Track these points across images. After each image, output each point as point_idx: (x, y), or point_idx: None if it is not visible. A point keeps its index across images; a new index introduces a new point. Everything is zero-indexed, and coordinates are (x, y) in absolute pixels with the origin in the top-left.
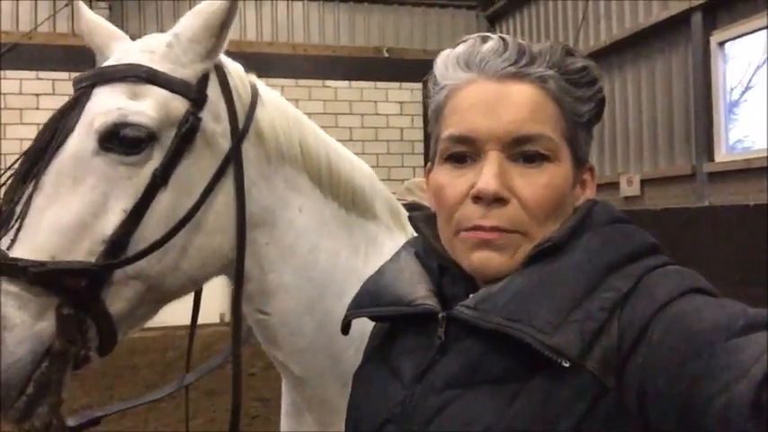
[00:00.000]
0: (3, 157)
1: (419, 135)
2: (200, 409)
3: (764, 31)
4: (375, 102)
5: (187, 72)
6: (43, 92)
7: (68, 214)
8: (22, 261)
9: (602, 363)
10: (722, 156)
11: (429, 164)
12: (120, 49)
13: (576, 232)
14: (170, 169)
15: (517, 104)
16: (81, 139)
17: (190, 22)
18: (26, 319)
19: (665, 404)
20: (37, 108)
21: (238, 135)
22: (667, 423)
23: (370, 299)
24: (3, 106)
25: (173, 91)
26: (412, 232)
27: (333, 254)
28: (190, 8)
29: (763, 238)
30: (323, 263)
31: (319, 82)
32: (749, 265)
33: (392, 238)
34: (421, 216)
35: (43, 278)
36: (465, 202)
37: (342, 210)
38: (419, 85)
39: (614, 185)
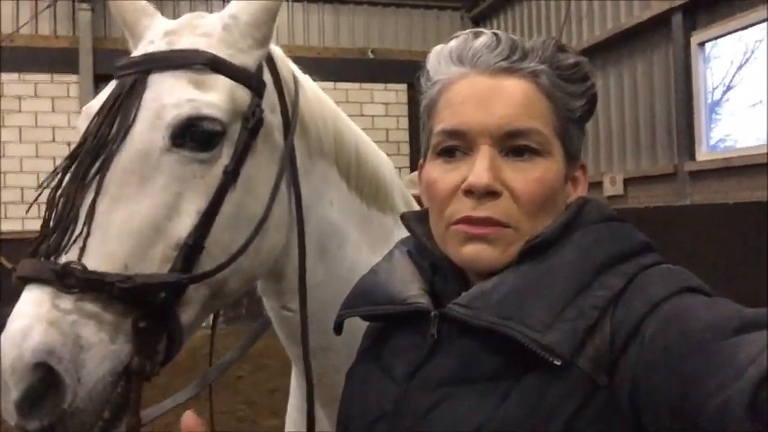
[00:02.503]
0: None
1: (404, 136)
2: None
3: (745, 30)
4: (360, 103)
5: (247, 59)
6: (25, 94)
7: (139, 217)
8: (108, 276)
9: (595, 361)
10: (703, 154)
11: (421, 159)
12: (158, 27)
13: (568, 229)
14: (239, 166)
15: (509, 99)
16: (147, 134)
17: (246, 4)
18: (103, 337)
19: (659, 403)
20: (19, 111)
21: (292, 128)
22: (661, 422)
23: (364, 298)
24: None
25: (236, 80)
26: None
27: (357, 249)
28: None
29: (743, 236)
30: (349, 258)
31: None
32: (730, 263)
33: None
34: (412, 215)
35: (129, 293)
36: (457, 195)
37: (363, 204)
38: (404, 87)
39: (598, 185)
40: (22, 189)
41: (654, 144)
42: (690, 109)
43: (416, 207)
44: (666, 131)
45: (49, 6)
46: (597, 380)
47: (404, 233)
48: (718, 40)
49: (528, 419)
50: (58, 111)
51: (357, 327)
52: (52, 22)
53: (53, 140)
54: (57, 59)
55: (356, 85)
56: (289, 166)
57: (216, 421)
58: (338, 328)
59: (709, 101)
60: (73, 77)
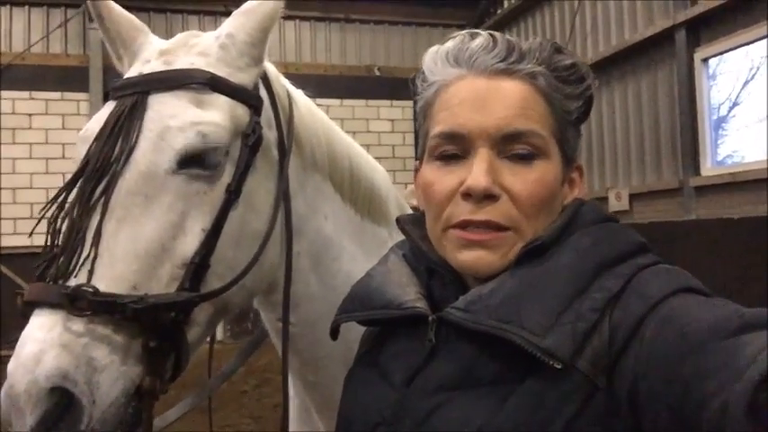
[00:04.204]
0: None
1: (410, 152)
2: (193, 426)
3: (749, 46)
4: (367, 119)
5: (244, 77)
6: (36, 112)
7: (146, 238)
8: (119, 297)
9: (593, 363)
10: (708, 170)
11: (417, 162)
12: (152, 46)
13: (565, 232)
14: (241, 184)
15: (507, 100)
16: (151, 156)
17: (242, 23)
18: (115, 358)
19: (659, 404)
20: (30, 128)
21: (287, 144)
22: (660, 423)
23: (360, 303)
24: None
25: (236, 98)
26: None
27: (352, 260)
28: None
29: (747, 251)
30: (345, 270)
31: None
32: (735, 278)
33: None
34: (408, 218)
35: (141, 313)
36: (455, 199)
37: (357, 216)
38: (410, 103)
39: (603, 200)
40: (31, 205)
41: (659, 159)
42: (694, 124)
43: None
44: (671, 147)
45: (60, 26)
46: (596, 382)
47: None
48: (725, 55)
49: (527, 422)
50: (69, 128)
51: (354, 335)
52: (63, 41)
53: (63, 157)
54: (67, 77)
55: (363, 101)
56: (282, 181)
57: None
58: (334, 333)
59: (716, 117)
60: (83, 95)
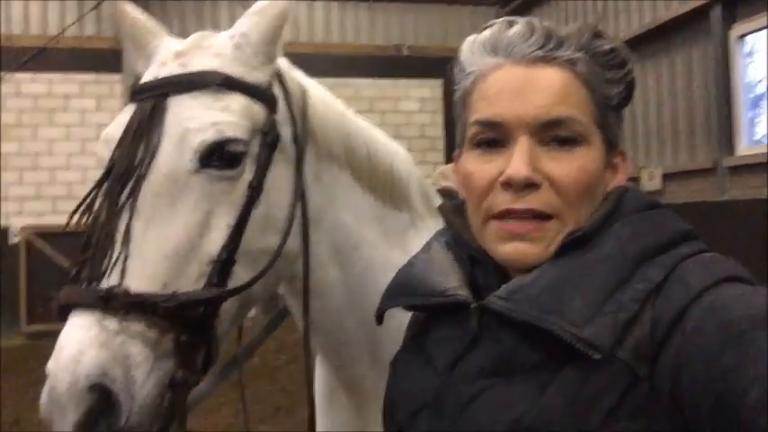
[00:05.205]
0: (36, 156)
1: (440, 132)
2: (227, 400)
3: None
4: (395, 99)
5: (259, 75)
6: (72, 93)
7: (174, 237)
8: (150, 296)
9: (635, 352)
10: (743, 149)
11: (457, 150)
12: (167, 48)
13: (608, 221)
14: (262, 180)
15: (546, 88)
16: (173, 157)
17: (256, 22)
18: (149, 354)
19: (701, 393)
20: (65, 110)
21: (303, 138)
22: (702, 412)
23: (403, 290)
24: (34, 108)
25: (252, 97)
26: None
27: (372, 247)
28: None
29: None
30: (365, 258)
31: (340, 80)
32: None
33: (425, 227)
34: (450, 207)
35: (171, 311)
36: (495, 189)
37: (378, 202)
38: (439, 82)
39: (635, 180)
40: (69, 185)
41: (693, 139)
42: (730, 103)
43: (438, 201)
44: (706, 126)
45: (93, 8)
46: (638, 371)
47: (425, 230)
48: (762, 32)
49: (568, 410)
50: (103, 109)
51: (375, 322)
52: (97, 24)
53: (98, 138)
54: (101, 59)
55: (391, 81)
56: (299, 175)
57: (253, 409)
58: (380, 319)
59: (752, 95)
60: (117, 77)
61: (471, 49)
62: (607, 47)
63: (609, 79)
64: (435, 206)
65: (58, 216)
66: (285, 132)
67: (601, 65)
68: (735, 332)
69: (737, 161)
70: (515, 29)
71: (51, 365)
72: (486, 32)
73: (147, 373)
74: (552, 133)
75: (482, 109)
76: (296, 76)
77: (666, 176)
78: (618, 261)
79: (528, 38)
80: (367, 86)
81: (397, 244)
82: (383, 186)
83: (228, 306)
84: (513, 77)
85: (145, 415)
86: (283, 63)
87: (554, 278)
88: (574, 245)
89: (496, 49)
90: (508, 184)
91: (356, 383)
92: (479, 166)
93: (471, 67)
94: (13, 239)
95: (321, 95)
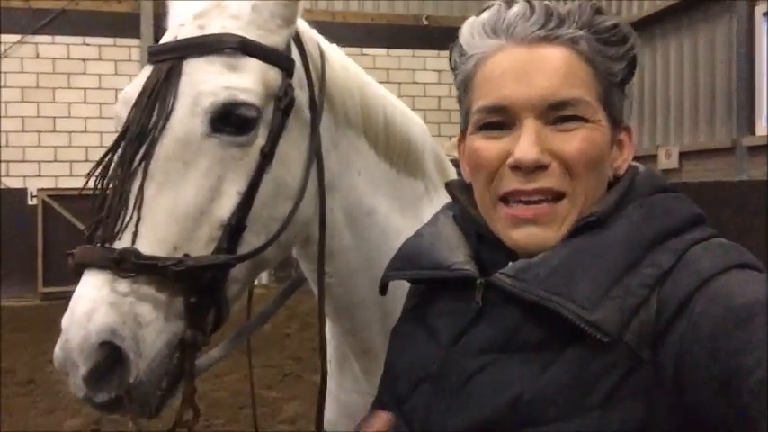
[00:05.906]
0: (53, 120)
1: (456, 104)
2: (236, 366)
3: None
4: (413, 70)
5: (276, 39)
6: (90, 57)
7: (185, 201)
8: (160, 260)
9: (639, 335)
10: (763, 129)
11: (460, 134)
12: (186, 8)
13: (620, 204)
14: (275, 146)
15: (550, 69)
16: (186, 121)
17: None
18: (158, 314)
19: (704, 376)
20: (84, 73)
21: (320, 103)
22: (704, 396)
23: (409, 262)
24: (52, 71)
25: (268, 61)
26: None
27: (386, 214)
28: None
29: None
30: (379, 224)
31: (357, 50)
32: None
33: (438, 197)
34: (457, 183)
35: (181, 275)
36: (502, 170)
37: (393, 170)
38: None
39: (653, 158)
40: (86, 148)
41: (713, 118)
42: (752, 82)
43: (452, 170)
44: (726, 105)
45: None
46: (641, 354)
47: (436, 199)
48: None
49: (569, 389)
50: (121, 73)
51: (389, 287)
52: None
53: (115, 102)
54: (119, 24)
55: (409, 51)
56: (314, 141)
57: (262, 375)
58: (383, 289)
59: None
60: (135, 41)
61: (471, 32)
62: (609, 23)
63: (611, 56)
64: (449, 176)
65: (74, 180)
66: (301, 97)
67: (603, 42)
68: (740, 317)
69: (757, 141)
70: (515, 9)
71: (65, 321)
72: (486, 14)
73: (156, 332)
74: (558, 114)
75: (486, 93)
76: (315, 38)
77: (684, 155)
78: (628, 245)
79: (528, 17)
80: (384, 57)
81: (410, 212)
82: (398, 154)
83: (239, 270)
84: (515, 59)
85: (153, 372)
86: (303, 25)
87: (563, 259)
88: (585, 228)
89: (497, 30)
90: (517, 168)
91: (366, 349)
92: (486, 144)
93: (472, 50)
94: (31, 201)
95: (340, 60)
